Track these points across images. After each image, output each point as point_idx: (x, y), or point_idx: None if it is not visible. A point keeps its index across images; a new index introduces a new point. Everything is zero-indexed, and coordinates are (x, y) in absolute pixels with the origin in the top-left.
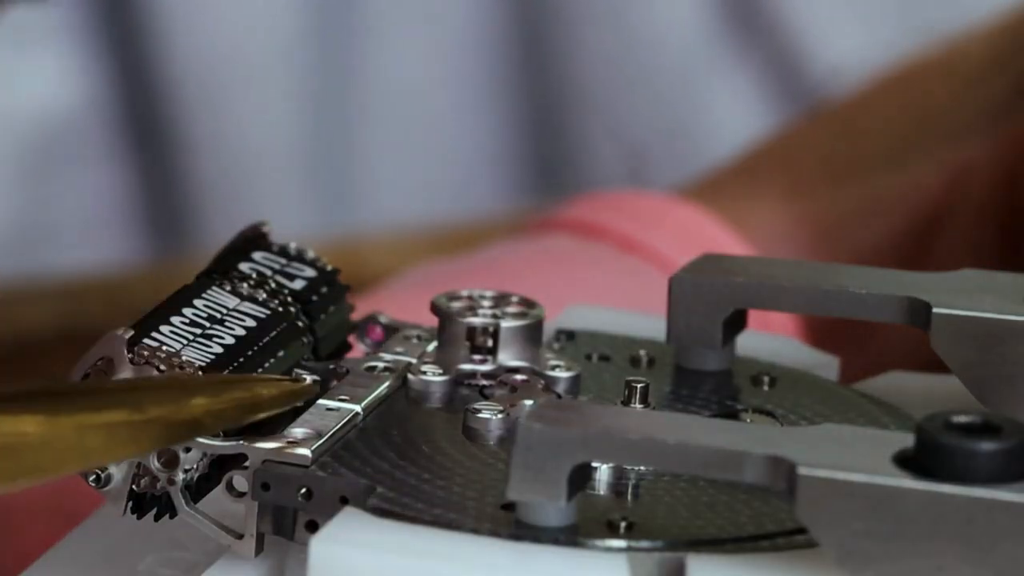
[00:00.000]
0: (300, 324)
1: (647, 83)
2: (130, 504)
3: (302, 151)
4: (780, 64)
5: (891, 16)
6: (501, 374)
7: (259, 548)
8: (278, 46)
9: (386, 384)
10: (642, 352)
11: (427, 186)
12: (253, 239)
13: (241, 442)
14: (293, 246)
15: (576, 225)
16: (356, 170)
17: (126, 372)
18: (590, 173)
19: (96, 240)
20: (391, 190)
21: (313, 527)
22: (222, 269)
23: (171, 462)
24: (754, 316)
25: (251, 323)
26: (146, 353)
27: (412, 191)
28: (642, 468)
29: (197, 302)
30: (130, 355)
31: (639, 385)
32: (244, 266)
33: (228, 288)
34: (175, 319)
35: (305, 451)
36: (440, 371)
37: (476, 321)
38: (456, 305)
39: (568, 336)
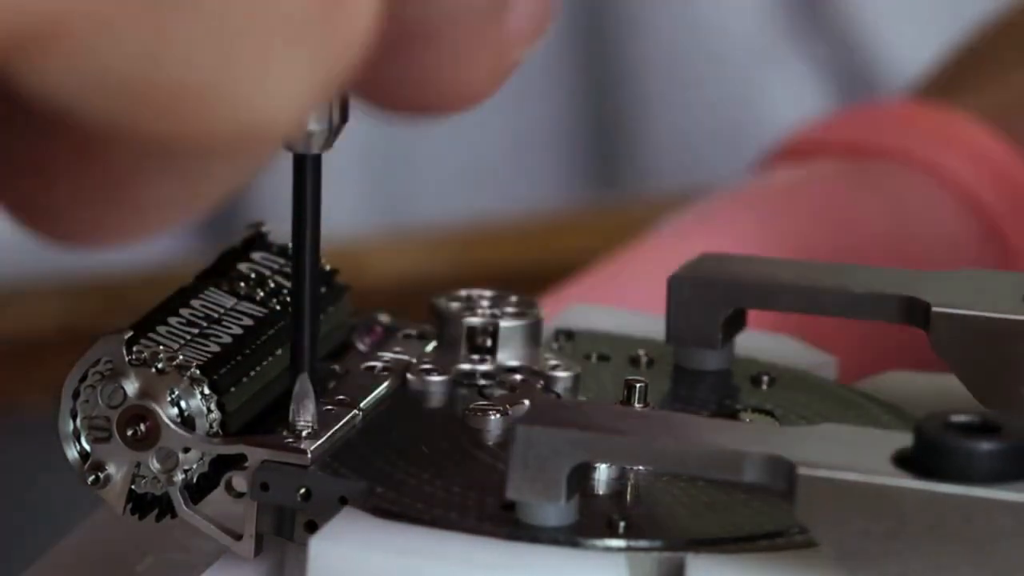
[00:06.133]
0: None
1: (707, 72)
2: (130, 505)
3: (344, 148)
4: (841, 55)
5: (951, 8)
6: (500, 374)
7: (258, 548)
8: None
9: (385, 384)
10: (641, 352)
11: (480, 180)
12: (252, 239)
13: (241, 442)
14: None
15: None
16: (405, 166)
17: (127, 373)
18: (647, 164)
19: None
20: (441, 184)
21: (312, 527)
22: (221, 269)
23: (170, 462)
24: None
25: (249, 322)
26: (145, 354)
27: (463, 185)
28: (641, 468)
29: (194, 302)
30: (129, 356)
31: (638, 385)
32: (243, 266)
33: (226, 288)
34: (172, 319)
35: (304, 451)
36: (439, 371)
37: (475, 321)
38: (455, 305)
39: (567, 336)
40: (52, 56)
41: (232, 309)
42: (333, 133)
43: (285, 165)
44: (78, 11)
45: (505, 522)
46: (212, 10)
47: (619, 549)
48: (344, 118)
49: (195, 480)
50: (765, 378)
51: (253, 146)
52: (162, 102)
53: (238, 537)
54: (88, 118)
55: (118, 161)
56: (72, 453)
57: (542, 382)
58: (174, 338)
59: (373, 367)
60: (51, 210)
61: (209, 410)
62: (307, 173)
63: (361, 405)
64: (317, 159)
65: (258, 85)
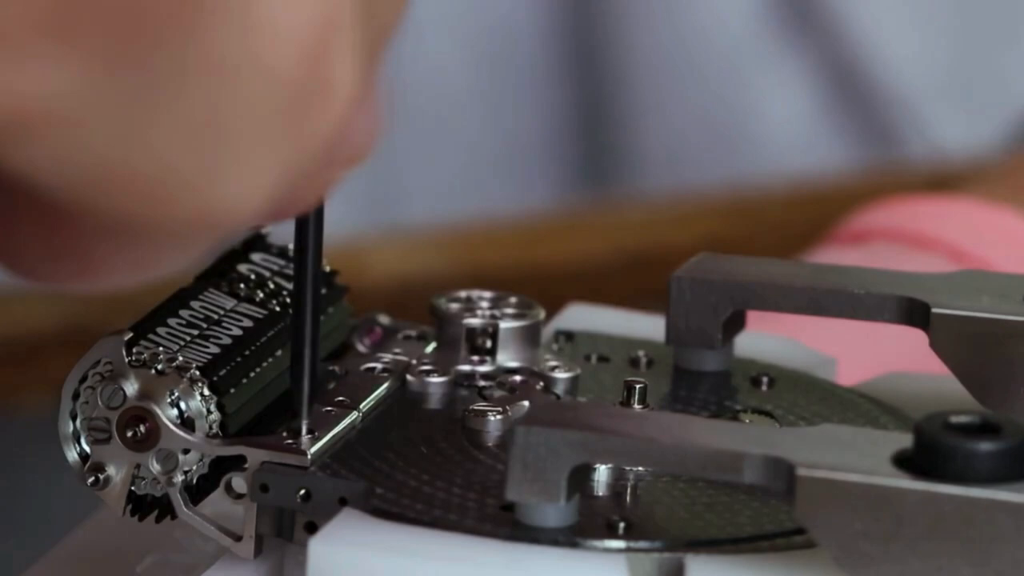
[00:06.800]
0: None
1: (699, 74)
2: (130, 506)
3: None
4: (830, 57)
5: (944, 8)
6: (500, 375)
7: (258, 550)
8: None
9: (385, 385)
10: (641, 353)
11: (478, 181)
12: (252, 240)
13: (240, 444)
14: (292, 247)
15: (898, 234)
16: (404, 166)
17: (127, 374)
18: (641, 165)
19: None
20: (440, 185)
21: (312, 528)
22: (220, 270)
23: (170, 463)
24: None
25: (248, 323)
26: (145, 355)
27: (462, 186)
28: (641, 469)
29: (194, 304)
30: (129, 357)
31: (638, 386)
32: (243, 267)
33: (225, 289)
34: (172, 321)
35: (304, 453)
36: (439, 372)
37: (475, 322)
38: (455, 306)
39: (567, 337)
40: (24, 140)
41: (232, 310)
42: None
43: None
44: (53, 104)
45: (505, 523)
46: (185, 108)
47: (619, 550)
48: None
49: (195, 481)
50: (765, 379)
51: (215, 229)
52: (128, 189)
53: (238, 538)
54: (55, 195)
55: (81, 225)
56: (72, 454)
57: (542, 383)
58: (174, 339)
59: (373, 368)
60: (12, 252)
61: (209, 411)
62: None
63: (361, 406)
64: None
65: (224, 178)
